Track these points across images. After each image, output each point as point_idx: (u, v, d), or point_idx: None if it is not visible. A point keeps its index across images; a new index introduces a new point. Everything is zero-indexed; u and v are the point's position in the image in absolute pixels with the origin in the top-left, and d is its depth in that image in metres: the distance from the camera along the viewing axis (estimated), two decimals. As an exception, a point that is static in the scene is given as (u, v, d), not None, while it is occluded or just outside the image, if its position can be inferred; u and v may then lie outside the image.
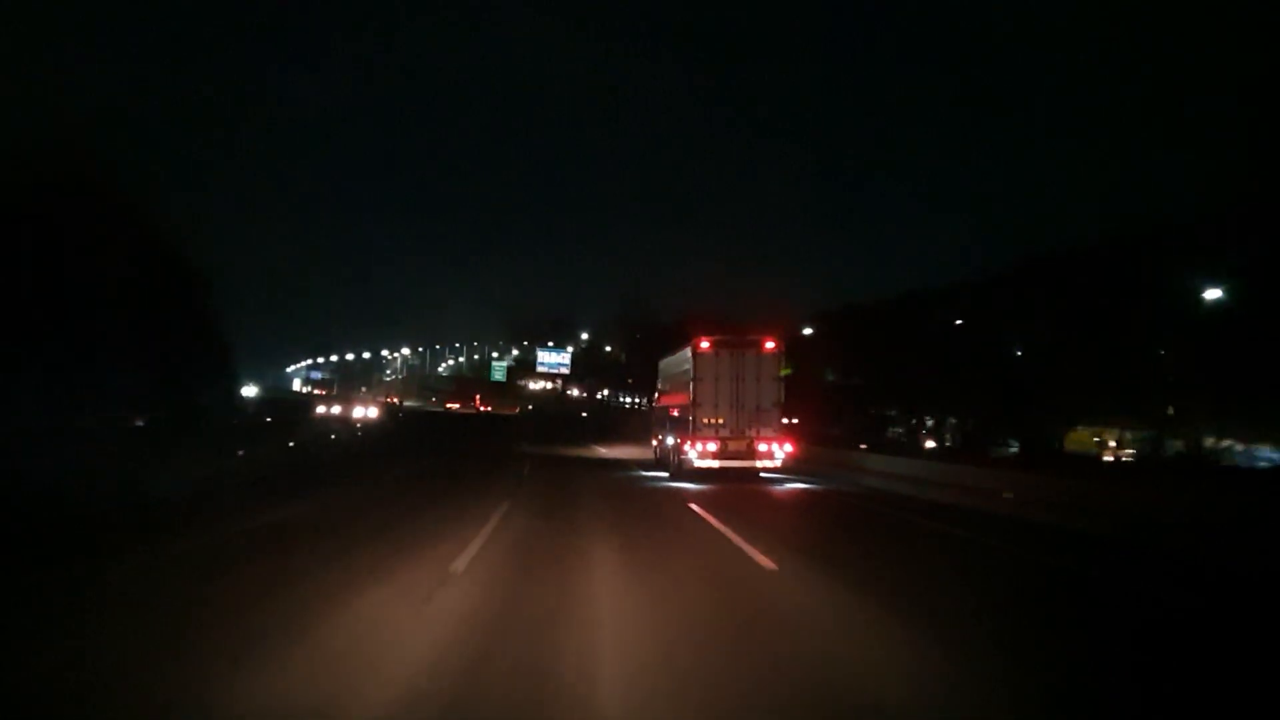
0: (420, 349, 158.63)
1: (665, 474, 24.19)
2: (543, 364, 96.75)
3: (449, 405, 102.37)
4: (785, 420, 22.45)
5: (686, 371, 22.47)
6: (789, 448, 21.93)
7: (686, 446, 21.67)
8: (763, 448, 21.64)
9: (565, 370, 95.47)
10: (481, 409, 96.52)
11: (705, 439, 21.53)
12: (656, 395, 30.12)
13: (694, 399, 21.69)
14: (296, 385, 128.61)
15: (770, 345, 21.98)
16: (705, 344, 21.85)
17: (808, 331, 40.56)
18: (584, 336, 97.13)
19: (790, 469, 22.65)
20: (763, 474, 22.47)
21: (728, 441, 21.61)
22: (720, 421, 21.68)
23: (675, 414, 24.08)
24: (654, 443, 29.61)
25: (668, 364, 27.14)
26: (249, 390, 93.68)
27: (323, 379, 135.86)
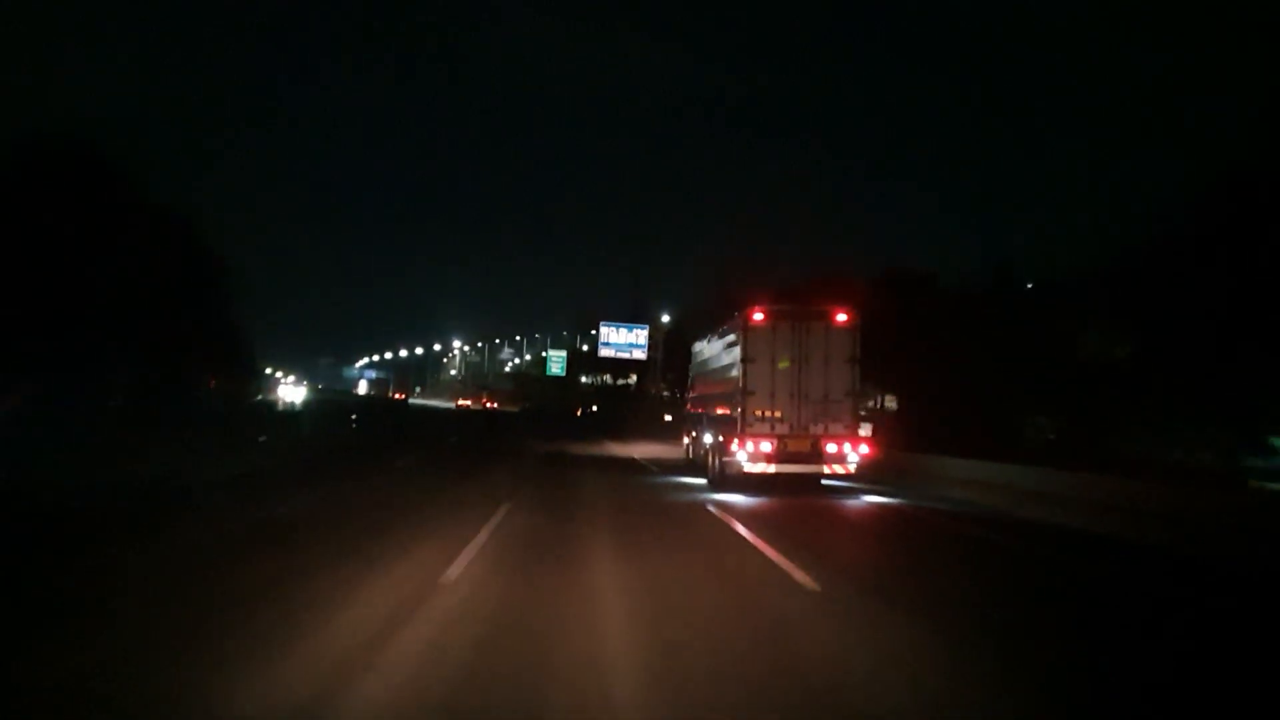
0: (479, 344, 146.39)
1: (700, 480, 19.55)
2: (609, 346, 60.64)
3: (460, 403, 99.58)
4: (860, 414, 17.68)
5: (733, 353, 17.75)
6: (865, 449, 17.14)
7: (734, 446, 16.95)
8: (831, 449, 16.88)
9: (640, 353, 60.22)
10: (488, 406, 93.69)
11: (758, 437, 16.81)
12: (689, 384, 25.35)
13: (744, 385, 16.97)
14: (364, 387, 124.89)
15: (842, 317, 17.16)
16: (760, 315, 17.09)
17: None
18: (664, 318, 63.11)
19: (862, 477, 17.85)
20: (824, 482, 17.85)
21: (787, 441, 16.87)
22: (778, 415, 16.94)
23: (716, 407, 19.38)
24: (685, 441, 24.86)
25: (705, 346, 22.36)
26: (295, 390, 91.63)
27: (377, 378, 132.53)
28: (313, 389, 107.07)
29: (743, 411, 16.90)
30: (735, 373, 17.39)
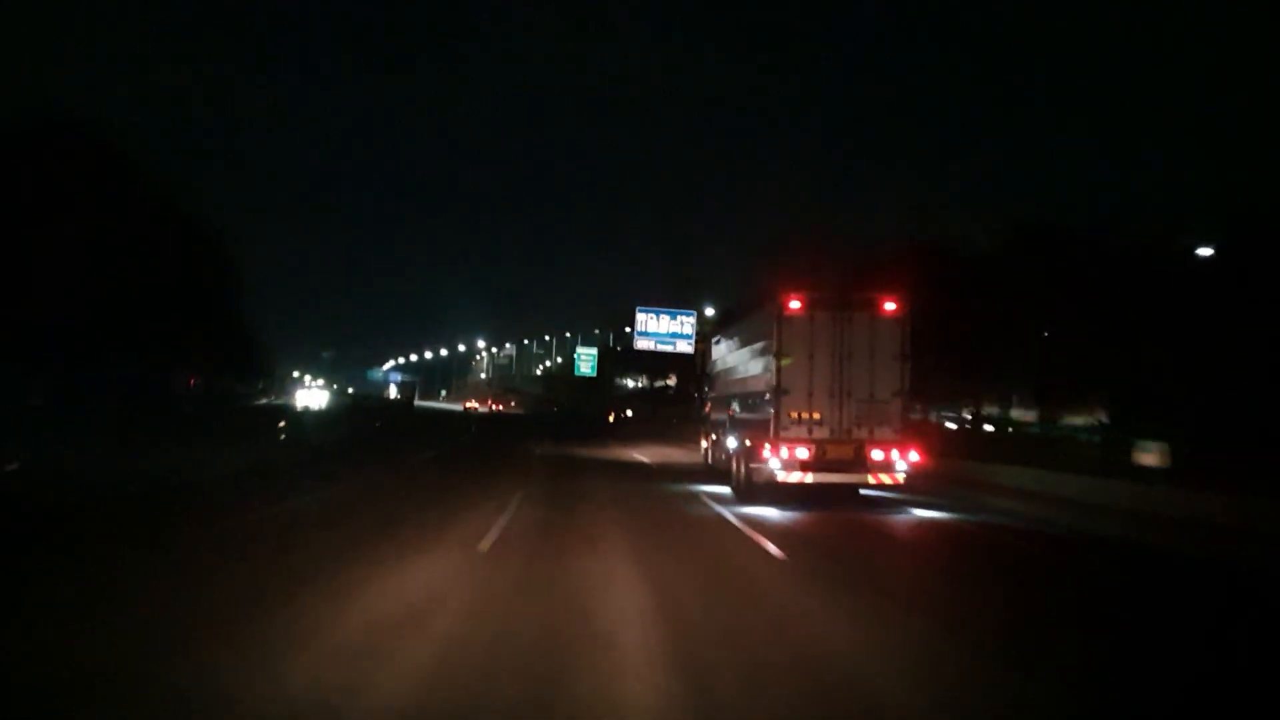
0: (508, 344, 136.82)
1: (722, 489, 17.55)
2: (647, 336, 48.47)
3: (467, 405, 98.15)
4: (909, 417, 15.57)
5: (764, 347, 15.71)
6: (915, 456, 15.02)
7: (765, 453, 14.88)
8: (877, 455, 14.77)
9: (686, 345, 47.34)
10: (496, 409, 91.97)
11: (793, 442, 14.74)
12: (707, 382, 23.19)
13: (778, 383, 14.91)
14: (394, 391, 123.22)
15: (890, 306, 15.04)
16: (796, 303, 15.01)
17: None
18: (708, 311, 49.31)
19: (910, 487, 15.71)
20: (864, 492, 15.93)
21: (826, 446, 14.79)
22: (816, 417, 14.86)
23: (744, 407, 17.37)
24: (704, 445, 22.80)
25: (728, 340, 20.30)
26: (317, 395, 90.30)
27: (403, 381, 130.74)
28: (341, 393, 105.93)
29: (776, 413, 14.84)
30: (767, 369, 15.35)
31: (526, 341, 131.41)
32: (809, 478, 14.70)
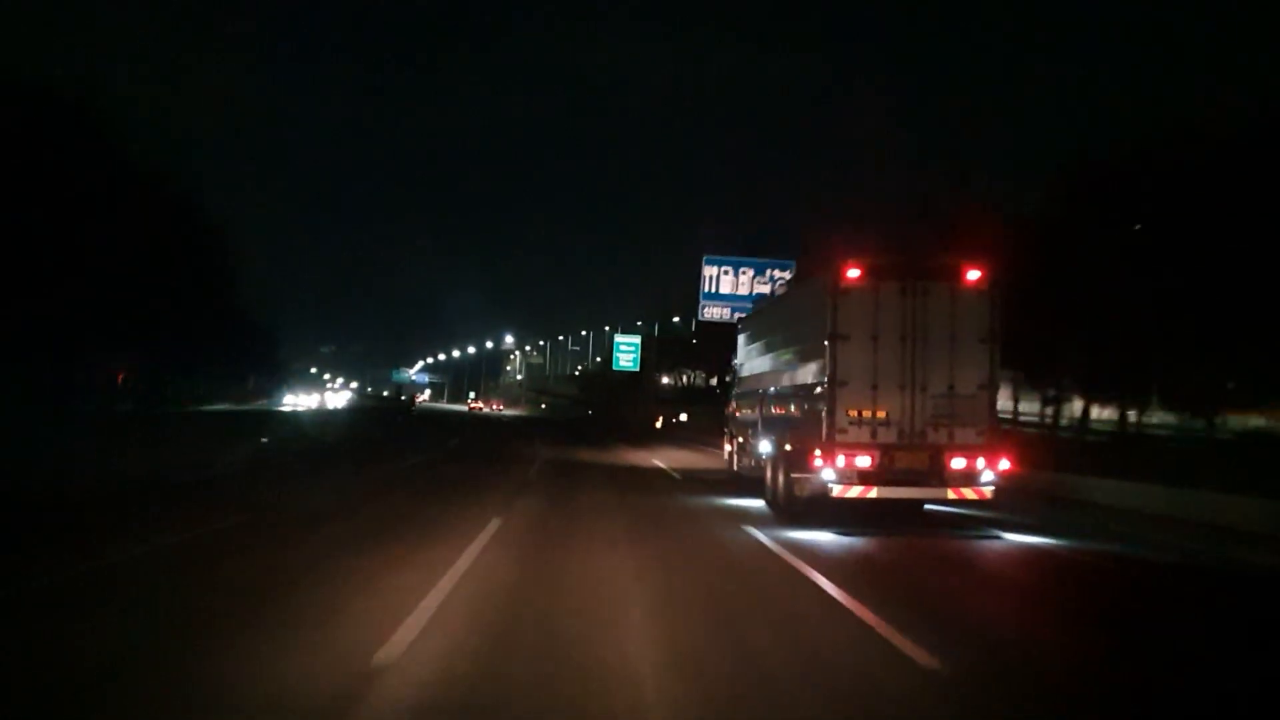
0: (542, 342, 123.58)
1: (754, 502, 14.54)
2: (719, 302, 34.60)
3: (471, 406, 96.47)
4: (996, 415, 12.37)
5: (814, 328, 12.58)
6: (1005, 465, 11.84)
7: (815, 460, 11.77)
8: (958, 464, 11.62)
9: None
10: (498, 409, 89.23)
11: (852, 449, 11.61)
12: (734, 370, 19.70)
13: (833, 373, 11.80)
14: (428, 394, 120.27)
15: (974, 276, 11.86)
16: (855, 271, 11.88)
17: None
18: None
19: (995, 503, 12.49)
20: (929, 507, 12.84)
21: (895, 453, 11.66)
22: (882, 416, 11.73)
23: (785, 403, 14.28)
24: (727, 448, 19.74)
25: (762, 323, 17.22)
26: (336, 396, 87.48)
27: (431, 382, 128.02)
28: (362, 394, 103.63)
29: (829, 411, 11.72)
30: (818, 356, 12.26)
31: (560, 338, 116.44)
32: (871, 493, 11.57)
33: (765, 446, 15.10)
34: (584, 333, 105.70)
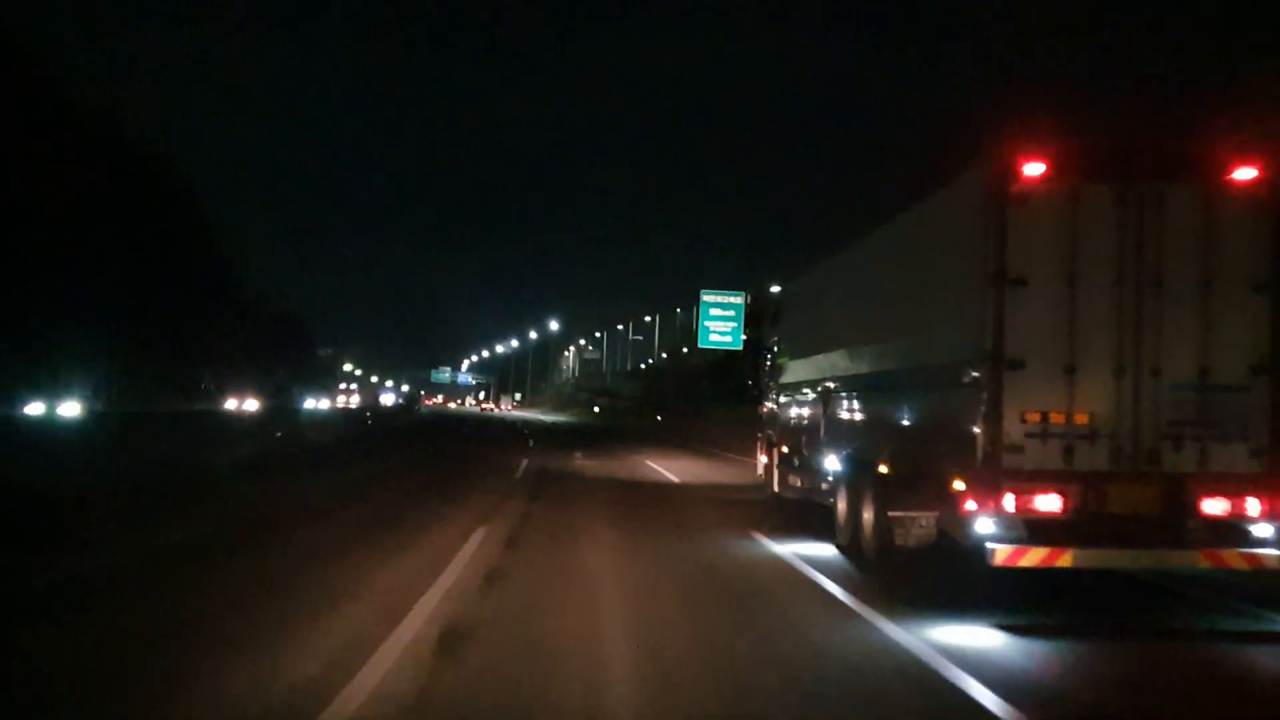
0: (598, 334, 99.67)
1: (820, 547, 9.53)
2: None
3: (483, 407, 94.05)
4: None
5: (963, 263, 7.27)
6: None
7: (969, 502, 6.68)
8: (1215, 508, 6.55)
9: None
10: (503, 409, 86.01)
11: (1030, 482, 6.51)
12: (772, 352, 14.12)
13: (998, 346, 6.64)
14: (481, 397, 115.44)
15: (1245, 174, 6.73)
16: (1038, 166, 6.68)
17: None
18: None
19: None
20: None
21: (1104, 487, 6.57)
22: (1083, 422, 6.61)
23: (890, 399, 8.98)
24: (761, 459, 14.35)
25: (846, 265, 10.85)
26: (387, 397, 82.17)
27: (476, 383, 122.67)
28: (409, 396, 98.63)
29: (991, 413, 6.60)
30: (962, 315, 7.15)
31: (620, 327, 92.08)
32: (1064, 559, 6.48)
33: (834, 463, 10.01)
34: (648, 318, 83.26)
